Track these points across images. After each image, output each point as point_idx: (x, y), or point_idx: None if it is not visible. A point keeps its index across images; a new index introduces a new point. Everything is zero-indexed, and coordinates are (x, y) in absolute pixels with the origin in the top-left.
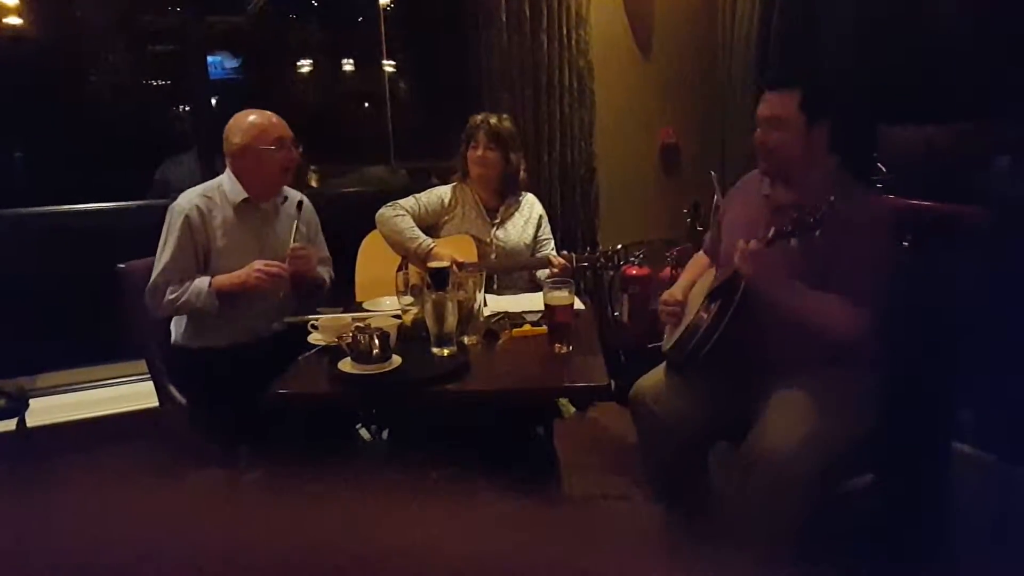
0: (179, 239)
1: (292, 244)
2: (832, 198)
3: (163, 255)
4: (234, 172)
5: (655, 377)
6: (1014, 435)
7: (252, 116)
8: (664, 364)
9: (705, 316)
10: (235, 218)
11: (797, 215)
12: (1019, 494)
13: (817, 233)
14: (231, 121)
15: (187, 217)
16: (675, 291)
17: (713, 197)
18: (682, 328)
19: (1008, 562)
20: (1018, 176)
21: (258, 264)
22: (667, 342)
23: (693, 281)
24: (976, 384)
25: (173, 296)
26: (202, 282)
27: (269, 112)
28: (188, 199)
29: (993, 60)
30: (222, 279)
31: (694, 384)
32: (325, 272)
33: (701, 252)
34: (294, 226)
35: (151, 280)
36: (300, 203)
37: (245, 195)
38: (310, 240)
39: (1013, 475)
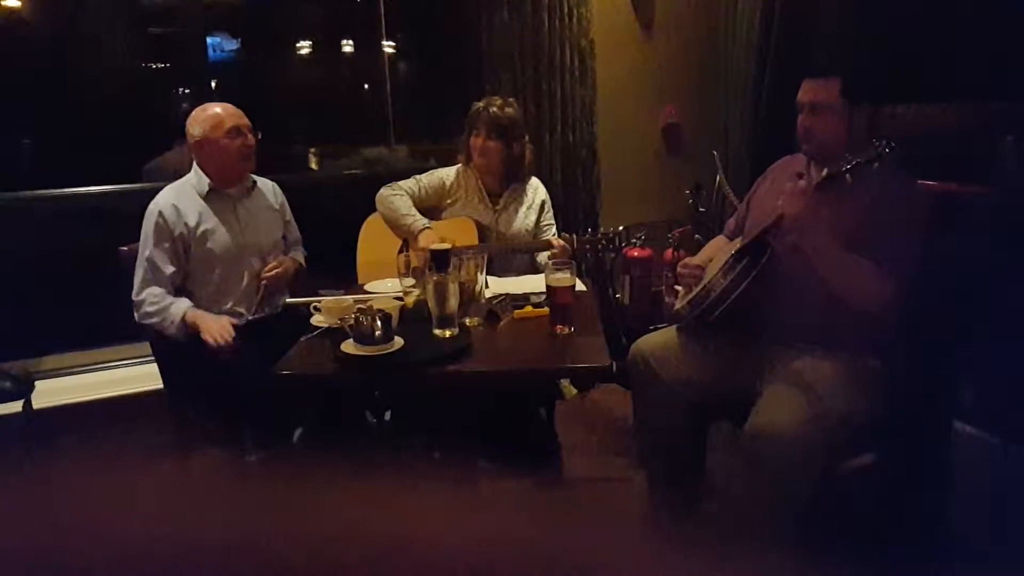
0: (156, 237)
1: (266, 271)
2: (885, 140)
3: (142, 255)
4: (198, 164)
5: (658, 339)
6: (1016, 415)
7: (208, 108)
8: (668, 329)
9: (723, 279)
10: (206, 206)
11: (851, 157)
12: (1020, 474)
13: (875, 166)
14: (190, 116)
15: (160, 213)
16: (694, 260)
17: (715, 177)
18: (698, 288)
19: (1008, 543)
20: (1022, 156)
21: (226, 330)
22: (679, 301)
23: (712, 256)
24: (978, 364)
25: (152, 310)
26: (178, 309)
27: (225, 103)
28: (162, 197)
29: (998, 38)
30: (196, 314)
31: (702, 346)
32: (299, 254)
33: (721, 236)
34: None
35: (135, 284)
36: (280, 197)
37: (210, 183)
38: (283, 221)
39: (1015, 455)
